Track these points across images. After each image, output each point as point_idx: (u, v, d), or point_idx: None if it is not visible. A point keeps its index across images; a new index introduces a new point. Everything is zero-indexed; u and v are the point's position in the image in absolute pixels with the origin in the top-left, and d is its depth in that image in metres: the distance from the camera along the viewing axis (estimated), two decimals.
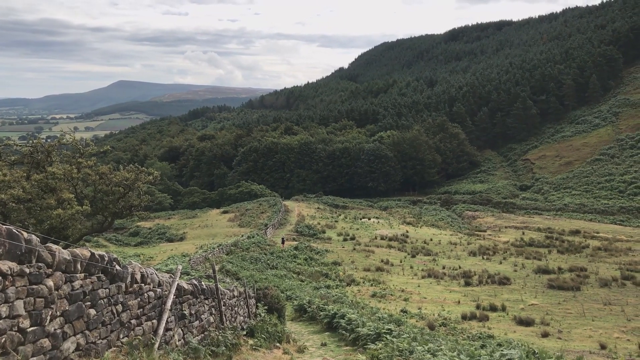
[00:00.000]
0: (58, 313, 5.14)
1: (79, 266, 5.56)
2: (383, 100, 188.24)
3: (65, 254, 5.30)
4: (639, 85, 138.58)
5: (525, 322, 28.27)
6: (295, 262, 45.86)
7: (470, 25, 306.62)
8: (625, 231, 71.29)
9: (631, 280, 40.88)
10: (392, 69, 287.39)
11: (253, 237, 54.56)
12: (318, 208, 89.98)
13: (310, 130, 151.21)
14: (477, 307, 32.40)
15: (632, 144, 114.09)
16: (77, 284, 5.51)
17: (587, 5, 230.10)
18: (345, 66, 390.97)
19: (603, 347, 23.48)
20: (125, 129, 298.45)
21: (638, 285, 39.60)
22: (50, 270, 5.02)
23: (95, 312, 5.89)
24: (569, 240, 64.48)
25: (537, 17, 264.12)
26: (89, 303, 5.78)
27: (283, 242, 55.61)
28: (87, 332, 5.71)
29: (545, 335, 25.80)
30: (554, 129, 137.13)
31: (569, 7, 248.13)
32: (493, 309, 31.92)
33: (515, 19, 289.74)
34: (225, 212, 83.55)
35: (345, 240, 62.24)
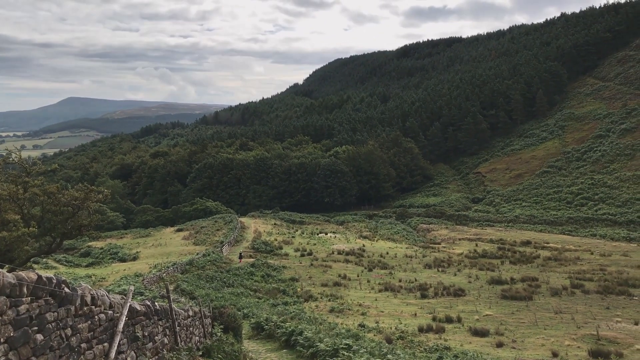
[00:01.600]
0: (2, 340, 4.92)
1: (25, 290, 5.34)
2: (338, 115, 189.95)
3: (10, 277, 5.09)
4: (583, 100, 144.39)
5: (481, 333, 28.69)
6: (252, 279, 45.39)
7: (421, 42, 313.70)
8: (574, 241, 73.66)
9: (580, 289, 42.14)
10: (346, 85, 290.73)
11: (209, 255, 53.79)
12: (275, 224, 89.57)
13: (266, 145, 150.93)
14: (434, 319, 32.71)
15: (577, 156, 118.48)
16: (22, 308, 5.29)
17: (533, 23, 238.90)
18: (300, 82, 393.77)
19: (555, 354, 24.03)
20: (75, 146, 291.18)
21: (587, 293, 40.84)
22: None
23: (42, 337, 5.66)
24: (521, 251, 66.10)
25: (485, 34, 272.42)
26: (36, 328, 5.56)
27: (240, 258, 55.09)
28: (33, 358, 5.48)
29: (499, 345, 26.24)
30: (504, 143, 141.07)
31: (515, 25, 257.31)
32: (449, 320, 32.30)
33: (464, 36, 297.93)
34: (179, 230, 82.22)
35: (302, 255, 62.05)
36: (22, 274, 5.45)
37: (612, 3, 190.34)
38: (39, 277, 5.69)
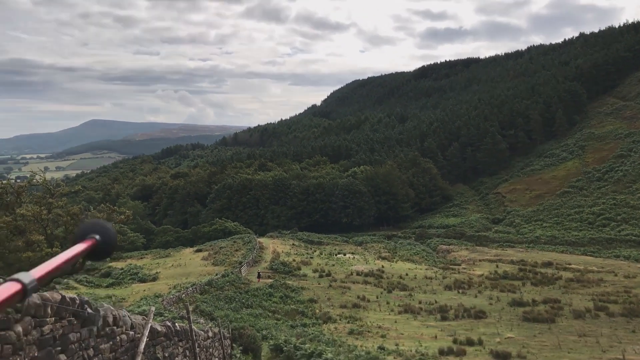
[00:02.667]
0: None
1: (49, 310, 5.42)
2: (355, 136, 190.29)
3: (35, 297, 5.18)
4: (603, 119, 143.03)
5: (502, 356, 28.22)
6: (270, 300, 45.28)
7: (439, 62, 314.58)
8: (596, 262, 72.38)
9: (604, 311, 41.30)
10: (363, 106, 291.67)
11: (227, 275, 53.83)
12: (293, 244, 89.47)
13: (284, 166, 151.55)
14: (454, 341, 32.28)
15: (598, 176, 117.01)
16: (47, 328, 5.37)
17: (551, 43, 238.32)
18: (318, 103, 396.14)
19: None
20: (97, 168, 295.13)
21: (611, 315, 40.00)
22: (19, 315, 4.89)
23: (65, 358, 5.73)
24: (542, 272, 65.10)
25: (503, 54, 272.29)
26: (59, 348, 5.62)
27: (259, 278, 55.20)
28: None
29: None
30: (523, 163, 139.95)
31: (533, 45, 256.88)
32: (470, 343, 31.84)
33: (482, 57, 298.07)
34: (198, 250, 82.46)
35: (321, 276, 61.78)
36: (47, 294, 5.54)
37: (632, 22, 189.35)
38: (63, 297, 5.78)
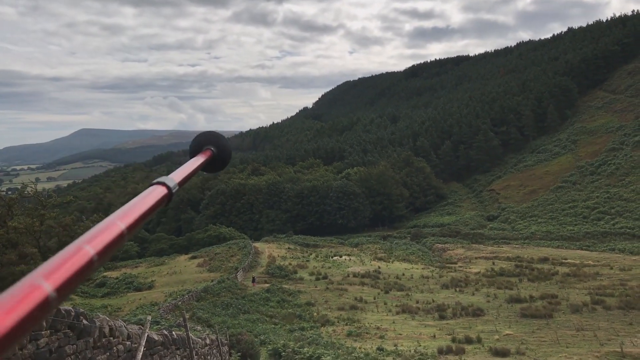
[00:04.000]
0: None
1: (44, 323, 5.34)
2: (348, 137, 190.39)
3: None
4: (595, 113, 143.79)
5: (501, 353, 28.24)
6: (268, 305, 45.17)
7: (429, 61, 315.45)
8: (592, 256, 72.64)
9: (601, 305, 41.44)
10: (355, 107, 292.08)
11: (223, 281, 53.65)
12: (289, 248, 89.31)
13: (277, 170, 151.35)
14: (453, 340, 32.29)
15: (592, 170, 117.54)
16: (42, 342, 5.29)
17: (540, 39, 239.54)
18: (310, 106, 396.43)
19: None
20: (88, 177, 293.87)
21: (608, 309, 40.15)
22: None
23: None
24: (539, 268, 65.25)
25: (492, 51, 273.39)
26: None
27: (254, 282, 55.13)
28: None
29: None
30: (517, 159, 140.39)
31: (522, 41, 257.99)
32: (468, 341, 31.86)
33: (471, 54, 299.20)
34: (194, 257, 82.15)
35: (317, 279, 61.69)
36: None
37: (619, 16, 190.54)
38: (58, 310, 5.69)
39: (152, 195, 1.13)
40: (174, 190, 1.22)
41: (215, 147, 1.61)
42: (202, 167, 1.51)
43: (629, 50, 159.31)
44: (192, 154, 1.58)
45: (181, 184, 1.28)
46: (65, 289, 0.71)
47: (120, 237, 0.87)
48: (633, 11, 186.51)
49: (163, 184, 1.20)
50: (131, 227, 0.93)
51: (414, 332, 35.85)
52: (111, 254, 0.82)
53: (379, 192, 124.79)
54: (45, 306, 0.67)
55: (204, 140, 1.62)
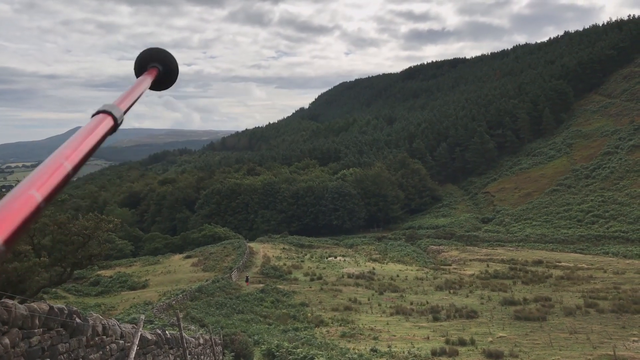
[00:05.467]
0: None
1: (37, 321, 5.33)
2: (344, 138, 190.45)
3: (22, 309, 5.09)
4: (590, 117, 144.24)
5: (495, 355, 28.29)
6: (262, 305, 45.14)
7: (425, 63, 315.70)
8: (586, 259, 72.91)
9: (594, 308, 41.59)
10: (351, 108, 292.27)
11: (218, 281, 53.60)
12: (283, 248, 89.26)
13: (273, 170, 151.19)
14: (447, 342, 32.34)
15: (586, 173, 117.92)
16: (35, 339, 5.28)
17: (536, 42, 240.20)
18: (306, 106, 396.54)
19: None
20: (83, 175, 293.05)
21: (601, 312, 40.29)
22: (6, 327, 4.80)
23: None
24: (533, 270, 65.44)
25: (489, 54, 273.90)
26: (48, 359, 5.53)
27: (247, 281, 55.20)
28: None
29: None
30: (512, 162, 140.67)
31: (519, 44, 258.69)
32: (462, 343, 31.91)
33: (468, 57, 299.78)
34: (188, 256, 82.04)
35: (312, 280, 61.70)
36: (34, 305, 5.45)
37: (616, 20, 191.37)
38: (51, 308, 5.69)
39: (98, 128, 1.03)
40: (120, 120, 1.12)
41: (160, 64, 1.49)
42: (148, 87, 1.41)
43: (624, 55, 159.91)
44: (137, 73, 1.47)
45: (126, 111, 1.19)
46: (13, 240, 0.70)
47: (66, 179, 0.83)
48: (629, 16, 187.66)
49: (109, 113, 1.10)
50: (77, 167, 0.88)
51: (408, 333, 35.89)
52: (56, 197, 0.80)
53: (374, 194, 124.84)
54: None
55: (148, 58, 1.49)
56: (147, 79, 1.41)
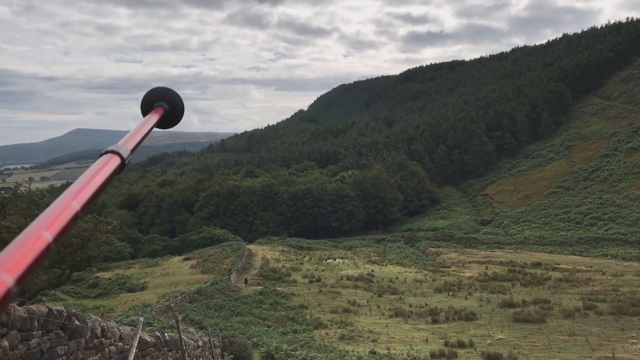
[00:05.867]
0: None
1: (35, 324, 5.32)
2: (343, 140, 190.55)
3: (21, 311, 5.08)
4: (589, 119, 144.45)
5: (494, 358, 28.28)
6: (261, 307, 45.10)
7: (424, 65, 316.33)
8: (585, 261, 72.91)
9: (593, 310, 41.59)
10: (350, 110, 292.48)
11: (217, 283, 53.55)
12: (282, 250, 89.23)
13: (272, 172, 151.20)
14: (446, 344, 32.33)
15: (585, 175, 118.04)
16: (33, 342, 5.27)
17: (535, 45, 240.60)
18: (305, 108, 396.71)
19: None
20: None
21: (600, 314, 40.29)
22: (5, 329, 4.79)
23: None
24: (531, 272, 65.43)
25: (488, 56, 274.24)
26: None
27: (246, 283, 55.17)
28: None
29: None
30: (511, 164, 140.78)
31: (517, 47, 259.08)
32: (461, 345, 31.89)
33: (466, 59, 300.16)
34: (187, 258, 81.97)
35: (311, 282, 61.64)
36: (33, 307, 5.44)
37: (614, 23, 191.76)
38: (50, 310, 5.68)
39: (105, 167, 1.06)
40: (127, 160, 1.16)
41: (166, 102, 1.53)
42: (155, 126, 1.45)
43: (623, 57, 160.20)
44: (144, 112, 1.51)
45: (134, 149, 1.23)
46: (25, 279, 0.70)
47: (75, 219, 0.84)
48: (627, 18, 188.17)
49: (116, 153, 1.14)
50: (85, 206, 0.90)
51: (407, 335, 35.87)
52: (66, 236, 0.80)
53: (373, 196, 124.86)
54: (6, 298, 0.67)
55: (155, 97, 1.53)
56: (154, 117, 1.46)
